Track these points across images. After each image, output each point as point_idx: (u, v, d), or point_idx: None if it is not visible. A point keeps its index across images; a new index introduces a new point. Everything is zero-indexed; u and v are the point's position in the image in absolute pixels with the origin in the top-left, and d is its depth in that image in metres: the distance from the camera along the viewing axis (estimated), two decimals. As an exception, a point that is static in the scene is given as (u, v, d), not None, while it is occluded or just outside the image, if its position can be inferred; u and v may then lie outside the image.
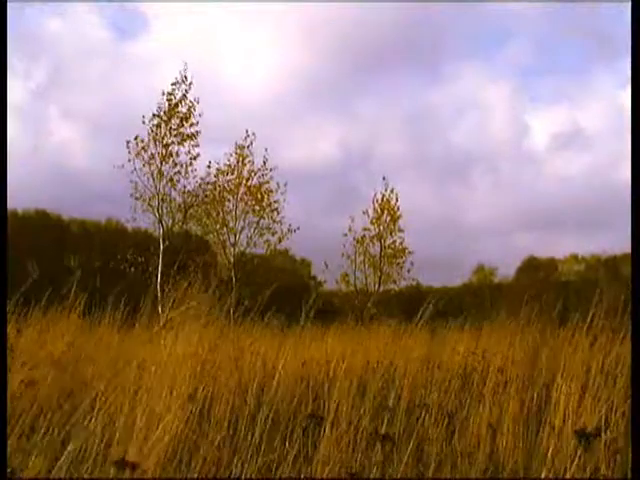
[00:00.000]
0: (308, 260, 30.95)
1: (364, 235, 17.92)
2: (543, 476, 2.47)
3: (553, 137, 47.42)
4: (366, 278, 18.04)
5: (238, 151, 16.22)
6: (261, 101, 42.80)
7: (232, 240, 15.94)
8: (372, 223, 17.87)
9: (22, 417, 2.52)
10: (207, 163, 15.63)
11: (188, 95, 14.67)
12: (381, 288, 17.98)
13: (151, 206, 14.22)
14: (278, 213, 16.07)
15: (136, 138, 14.21)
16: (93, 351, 4.11)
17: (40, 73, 42.69)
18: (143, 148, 14.23)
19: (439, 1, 35.45)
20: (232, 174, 16.06)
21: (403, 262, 17.80)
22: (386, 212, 17.84)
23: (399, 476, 2.61)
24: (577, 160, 46.34)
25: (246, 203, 15.96)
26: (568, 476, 2.34)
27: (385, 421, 2.96)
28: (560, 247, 36.88)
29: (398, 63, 52.19)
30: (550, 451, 2.53)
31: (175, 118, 14.48)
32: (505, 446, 2.95)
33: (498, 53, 53.86)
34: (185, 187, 14.62)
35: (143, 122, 14.37)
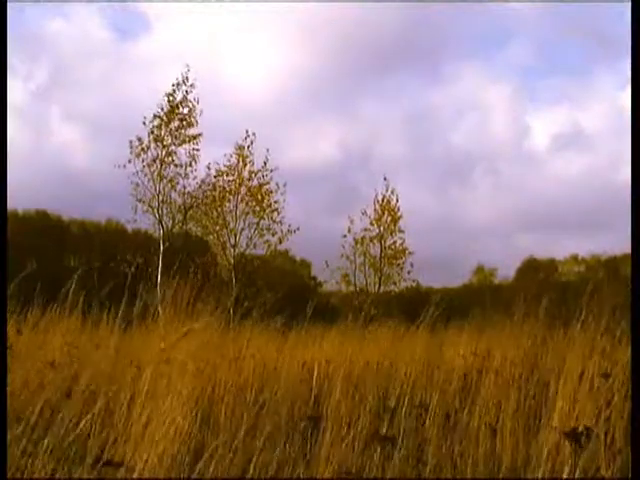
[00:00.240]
0: (308, 261, 30.99)
1: (364, 236, 17.91)
2: (542, 476, 2.47)
3: (553, 138, 47.51)
4: (366, 279, 18.03)
5: (238, 151, 16.22)
6: (261, 101, 42.91)
7: (232, 241, 15.93)
8: (372, 224, 17.85)
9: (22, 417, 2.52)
10: (207, 164, 15.63)
11: (189, 97, 14.70)
12: (381, 289, 17.96)
13: (151, 207, 14.23)
14: (278, 213, 16.07)
15: (139, 140, 14.23)
16: (92, 352, 4.11)
17: (41, 74, 42.77)
18: (143, 149, 14.24)
19: (440, 1, 35.48)
20: (232, 175, 16.06)
21: (403, 263, 17.78)
22: (386, 212, 17.82)
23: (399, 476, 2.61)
24: (577, 161, 46.41)
25: (247, 204, 15.96)
26: (568, 476, 2.33)
27: (385, 422, 2.96)
28: (560, 248, 36.90)
29: (398, 63, 52.28)
30: (549, 451, 2.53)
31: (176, 120, 14.49)
32: (504, 446, 2.95)
33: (499, 54, 54.02)
34: (185, 188, 14.63)
35: (144, 123, 14.40)
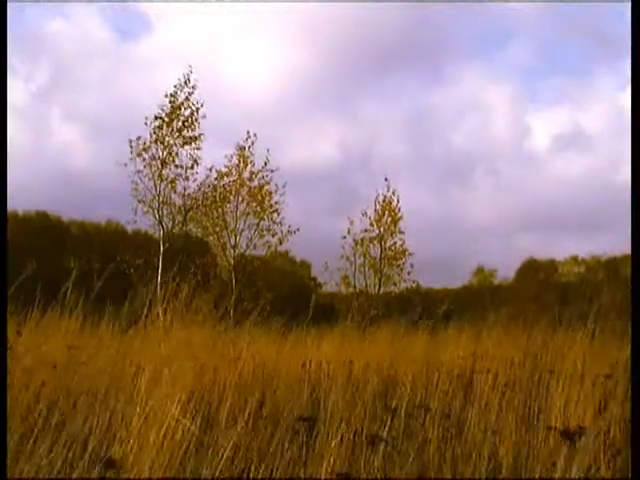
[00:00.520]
0: (308, 262, 30.98)
1: (363, 237, 17.90)
2: (541, 476, 2.47)
3: (554, 138, 47.50)
4: (366, 280, 18.03)
5: (239, 152, 16.22)
6: (261, 101, 42.89)
7: (232, 242, 15.93)
8: (372, 224, 17.84)
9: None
10: (207, 165, 15.62)
11: (191, 98, 14.68)
12: (381, 290, 17.95)
13: (151, 208, 14.23)
14: (278, 214, 16.07)
15: (138, 139, 14.23)
16: (92, 353, 4.10)
17: (42, 74, 42.78)
18: (144, 149, 14.24)
19: (440, 2, 35.52)
20: (233, 175, 16.05)
21: (403, 264, 17.78)
22: (387, 213, 17.81)
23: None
24: (578, 161, 46.41)
25: (247, 204, 15.95)
26: (566, 476, 2.33)
27: (386, 423, 2.95)
28: (560, 248, 36.86)
29: (399, 64, 52.29)
30: (548, 452, 2.53)
31: (177, 121, 14.47)
32: (504, 447, 2.95)
33: (499, 54, 53.99)
34: (185, 190, 14.63)
35: (145, 124, 14.39)
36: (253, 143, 16.24)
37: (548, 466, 2.48)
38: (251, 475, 2.52)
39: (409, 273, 17.76)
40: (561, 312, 4.81)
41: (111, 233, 28.23)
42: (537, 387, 3.47)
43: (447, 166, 44.72)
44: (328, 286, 18.75)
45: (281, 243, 16.19)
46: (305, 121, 45.69)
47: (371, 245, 17.88)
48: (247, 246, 15.96)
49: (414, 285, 18.28)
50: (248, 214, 15.96)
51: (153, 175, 14.21)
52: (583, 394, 2.88)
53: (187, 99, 14.64)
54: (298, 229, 16.22)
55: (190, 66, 14.80)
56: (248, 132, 16.35)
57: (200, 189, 14.97)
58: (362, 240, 17.88)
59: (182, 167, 14.46)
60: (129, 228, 19.01)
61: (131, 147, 14.19)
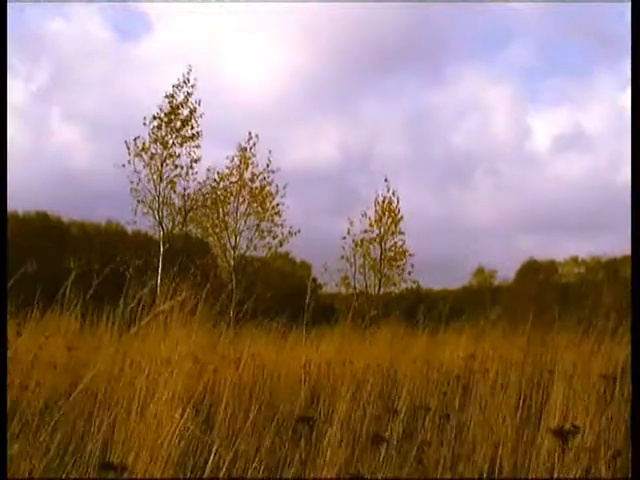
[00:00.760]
0: (308, 263, 30.94)
1: (363, 238, 17.88)
2: (540, 476, 2.47)
3: (555, 139, 47.51)
4: (366, 281, 18.01)
5: (241, 153, 16.19)
6: (262, 102, 42.89)
7: (232, 243, 15.91)
8: (372, 225, 17.81)
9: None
10: (207, 166, 15.60)
11: (191, 98, 14.68)
12: (381, 291, 17.93)
13: (151, 208, 14.22)
14: (279, 216, 16.04)
15: (136, 139, 14.22)
16: (91, 353, 4.10)
17: (41, 74, 42.79)
18: (143, 149, 14.23)
19: (440, 2, 35.53)
20: (234, 176, 16.03)
21: (403, 264, 17.76)
22: (387, 214, 17.80)
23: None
24: (578, 162, 46.41)
25: (248, 205, 15.92)
26: (566, 476, 2.33)
27: (386, 423, 2.95)
28: (560, 249, 36.87)
29: (399, 64, 52.30)
30: (548, 452, 2.53)
31: (176, 120, 14.47)
32: (504, 447, 2.95)
33: (500, 54, 54.01)
34: (185, 190, 14.62)
35: (144, 124, 14.39)
36: (255, 144, 16.23)
37: (548, 466, 2.48)
38: (251, 475, 2.52)
39: (409, 274, 17.75)
40: (561, 313, 4.81)
41: (111, 234, 28.24)
42: (537, 387, 3.47)
43: (447, 166, 44.73)
44: (328, 287, 18.74)
45: (282, 245, 16.17)
46: (305, 121, 45.70)
47: (371, 246, 17.87)
48: (247, 247, 15.95)
49: (414, 286, 18.29)
50: (249, 215, 15.93)
51: (152, 176, 14.21)
52: (583, 394, 2.88)
53: (186, 99, 14.64)
54: (299, 231, 16.18)
55: (189, 66, 14.81)
56: (250, 133, 16.33)
57: (200, 190, 14.98)
58: (362, 241, 17.85)
59: (182, 167, 14.46)
60: (129, 229, 19.00)
61: (128, 148, 14.20)
